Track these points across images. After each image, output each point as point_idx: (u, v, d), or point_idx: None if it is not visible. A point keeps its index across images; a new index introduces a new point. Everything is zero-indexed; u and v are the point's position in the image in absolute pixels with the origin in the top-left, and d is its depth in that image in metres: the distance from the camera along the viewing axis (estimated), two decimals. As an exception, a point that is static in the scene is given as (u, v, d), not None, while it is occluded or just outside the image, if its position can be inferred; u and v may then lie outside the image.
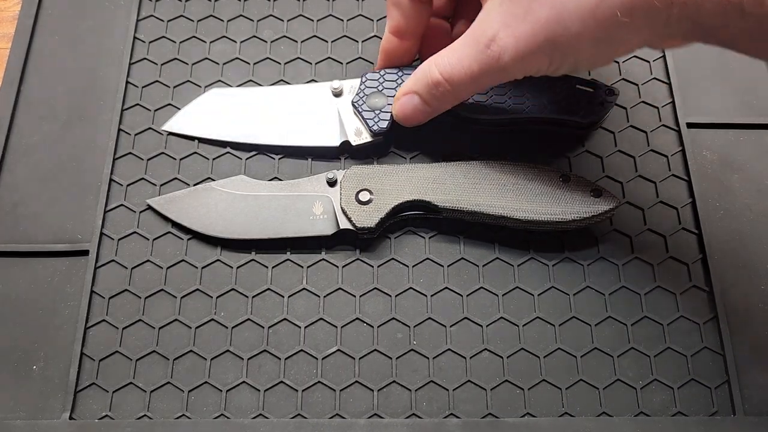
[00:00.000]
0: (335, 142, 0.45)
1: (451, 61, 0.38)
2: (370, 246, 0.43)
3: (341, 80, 0.46)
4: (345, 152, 0.46)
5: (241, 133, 0.46)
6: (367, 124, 0.44)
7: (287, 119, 0.46)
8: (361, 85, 0.45)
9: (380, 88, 0.45)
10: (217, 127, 0.46)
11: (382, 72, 0.45)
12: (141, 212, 0.44)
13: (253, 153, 0.46)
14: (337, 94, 0.46)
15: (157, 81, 0.48)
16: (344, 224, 0.42)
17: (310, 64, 0.49)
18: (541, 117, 0.44)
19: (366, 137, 0.45)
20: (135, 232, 0.44)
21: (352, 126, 0.45)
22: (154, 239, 0.43)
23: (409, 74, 0.45)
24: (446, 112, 0.44)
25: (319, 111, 0.46)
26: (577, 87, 0.44)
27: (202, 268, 0.43)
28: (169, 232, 0.44)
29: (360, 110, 0.45)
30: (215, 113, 0.47)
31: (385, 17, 0.50)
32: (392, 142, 0.46)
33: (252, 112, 0.46)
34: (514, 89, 0.44)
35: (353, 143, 0.45)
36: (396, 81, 0.45)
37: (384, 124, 0.44)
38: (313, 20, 0.51)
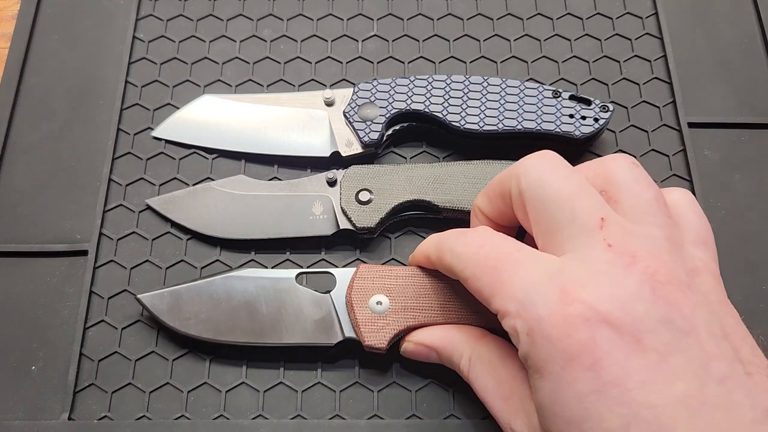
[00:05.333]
0: (325, 152, 0.44)
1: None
2: (370, 246, 0.43)
3: (333, 89, 0.46)
4: (335, 163, 0.45)
5: (230, 141, 0.45)
6: (358, 135, 0.44)
7: (277, 128, 0.45)
8: (353, 95, 0.45)
9: (372, 98, 0.44)
10: (206, 136, 0.46)
11: (374, 82, 0.45)
12: (140, 212, 0.44)
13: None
14: (329, 103, 0.45)
15: (156, 81, 0.48)
16: (344, 224, 0.42)
17: (310, 63, 0.49)
18: (535, 132, 0.43)
19: (357, 148, 0.44)
20: (134, 232, 0.44)
21: (343, 136, 0.44)
22: (154, 239, 0.43)
23: (403, 86, 0.44)
24: (439, 126, 0.44)
25: (309, 120, 0.45)
26: (571, 100, 0.44)
27: (202, 268, 0.43)
28: (168, 232, 0.44)
29: (351, 120, 0.44)
30: (204, 121, 0.46)
31: (385, 17, 0.50)
32: (382, 153, 0.46)
33: (242, 120, 0.46)
34: (507, 104, 0.44)
35: (343, 154, 0.44)
36: (389, 92, 0.44)
37: (375, 136, 0.44)
38: (313, 20, 0.50)
